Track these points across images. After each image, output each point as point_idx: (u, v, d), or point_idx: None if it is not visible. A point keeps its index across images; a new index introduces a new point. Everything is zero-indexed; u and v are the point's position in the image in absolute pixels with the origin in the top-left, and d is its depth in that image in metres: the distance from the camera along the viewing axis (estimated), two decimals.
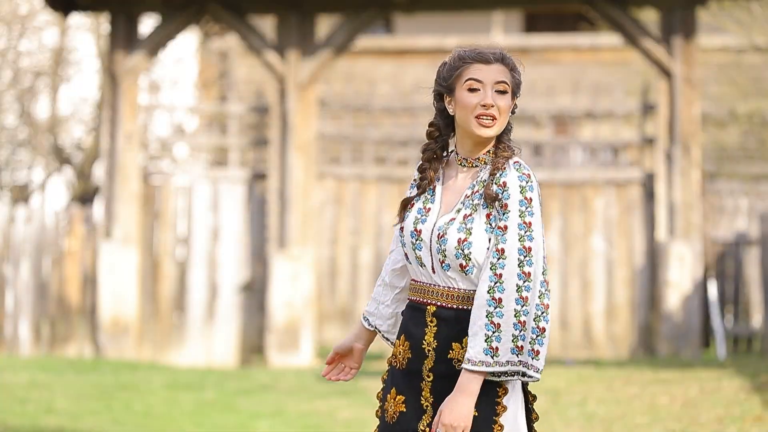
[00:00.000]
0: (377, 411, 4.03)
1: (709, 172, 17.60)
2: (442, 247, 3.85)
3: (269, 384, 12.28)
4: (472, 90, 3.88)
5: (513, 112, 3.96)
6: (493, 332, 3.76)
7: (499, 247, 3.78)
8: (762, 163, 18.68)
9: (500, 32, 21.62)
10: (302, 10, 14.79)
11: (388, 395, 3.97)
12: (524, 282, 3.77)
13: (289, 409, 10.61)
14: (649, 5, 14.80)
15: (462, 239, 3.82)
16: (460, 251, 3.83)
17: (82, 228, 14.85)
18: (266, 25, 18.00)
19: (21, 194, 24.87)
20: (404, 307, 4.03)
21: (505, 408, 3.87)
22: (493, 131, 3.88)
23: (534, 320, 3.78)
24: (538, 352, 3.80)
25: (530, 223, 3.80)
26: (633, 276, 14.83)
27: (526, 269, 3.77)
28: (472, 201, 3.86)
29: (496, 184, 3.82)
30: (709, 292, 14.79)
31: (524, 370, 3.79)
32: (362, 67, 20.74)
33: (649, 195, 14.77)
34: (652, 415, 9.05)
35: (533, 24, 22.93)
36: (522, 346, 3.76)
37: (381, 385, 4.06)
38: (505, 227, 3.78)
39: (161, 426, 9.91)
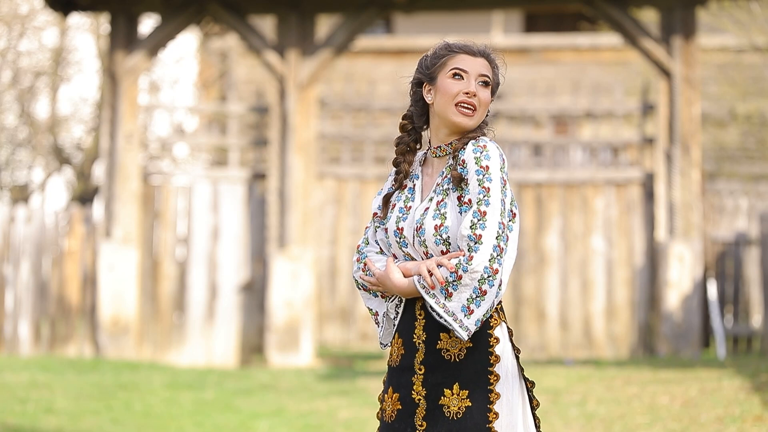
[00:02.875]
0: (378, 413, 4.04)
1: (709, 172, 17.61)
2: (422, 237, 3.89)
3: (269, 384, 12.28)
4: (455, 77, 3.92)
5: (487, 113, 4.00)
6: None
7: (469, 220, 3.83)
8: (762, 163, 18.69)
9: (500, 32, 21.62)
10: (302, 10, 14.80)
11: (386, 395, 3.99)
12: (474, 243, 3.81)
13: (289, 409, 10.61)
14: (649, 5, 14.80)
15: (438, 225, 3.87)
16: (438, 237, 3.87)
17: (82, 228, 14.86)
18: (266, 25, 18.01)
19: (21, 194, 24.88)
20: None
21: (498, 395, 3.87)
22: (472, 121, 3.92)
23: (479, 281, 3.80)
24: (472, 312, 3.82)
25: (488, 189, 3.84)
26: (633, 276, 14.84)
27: (478, 231, 3.81)
28: (443, 187, 3.90)
29: (458, 165, 3.87)
30: (708, 292, 14.79)
31: (449, 319, 3.82)
32: (362, 67, 20.75)
33: (649, 195, 14.78)
34: (652, 415, 9.05)
35: (533, 24, 22.94)
36: (452, 294, 3.81)
37: (382, 387, 4.08)
38: (469, 200, 3.83)
39: (161, 426, 9.91)
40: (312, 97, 14.87)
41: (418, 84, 4.00)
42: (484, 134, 3.95)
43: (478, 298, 3.81)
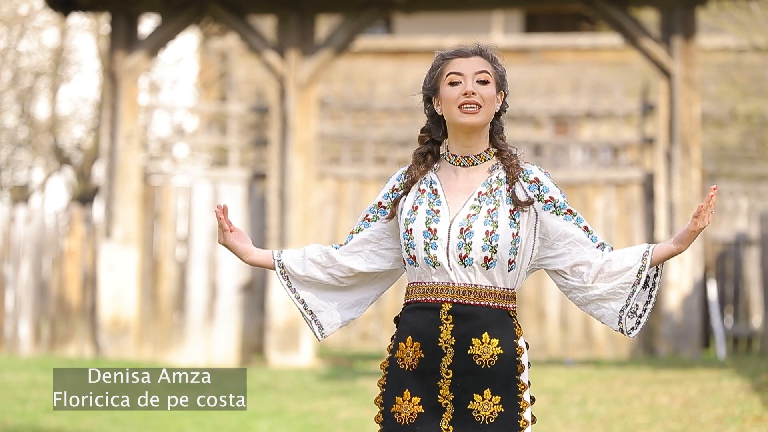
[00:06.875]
0: (377, 416, 4.00)
1: (709, 172, 17.61)
2: (467, 240, 3.91)
3: (269, 384, 12.28)
4: (453, 84, 3.97)
5: (504, 110, 4.06)
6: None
7: (582, 225, 3.99)
8: (762, 163, 18.69)
9: (500, 32, 21.62)
10: (302, 11, 14.80)
11: (398, 398, 3.96)
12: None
13: (289, 409, 10.61)
14: (649, 5, 14.80)
15: (490, 231, 3.90)
16: (487, 243, 3.90)
17: (82, 228, 14.85)
18: (266, 25, 18.00)
19: (21, 194, 24.88)
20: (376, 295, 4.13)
21: (527, 404, 3.94)
22: (477, 118, 3.95)
23: None
24: None
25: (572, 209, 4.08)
26: None
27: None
28: (493, 197, 3.94)
29: (525, 181, 3.96)
30: (708, 292, 14.79)
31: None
32: (362, 67, 20.75)
33: (649, 195, 14.77)
34: (652, 415, 9.05)
35: (533, 24, 22.94)
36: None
37: (379, 390, 4.04)
38: (569, 211, 3.98)
39: (161, 426, 9.91)
40: (312, 97, 14.87)
41: (428, 100, 4.06)
42: (516, 153, 4.05)
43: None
